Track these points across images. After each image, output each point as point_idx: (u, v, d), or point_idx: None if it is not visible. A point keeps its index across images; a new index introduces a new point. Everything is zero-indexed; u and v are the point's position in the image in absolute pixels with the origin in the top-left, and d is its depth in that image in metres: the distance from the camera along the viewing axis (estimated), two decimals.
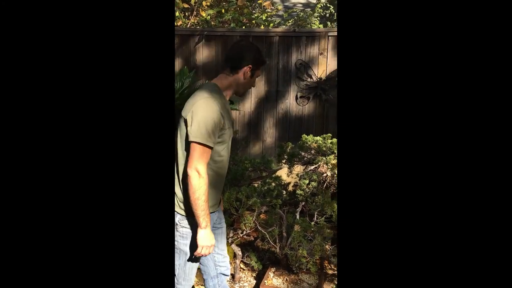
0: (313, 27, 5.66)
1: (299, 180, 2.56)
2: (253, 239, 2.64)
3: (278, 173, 2.88)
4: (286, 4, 6.78)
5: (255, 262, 2.33)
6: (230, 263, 2.02)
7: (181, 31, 3.78)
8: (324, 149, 2.72)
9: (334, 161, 2.60)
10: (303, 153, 2.80)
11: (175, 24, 4.05)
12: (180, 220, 1.43)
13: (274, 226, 2.17)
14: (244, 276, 2.36)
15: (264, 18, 4.61)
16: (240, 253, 2.28)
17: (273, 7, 5.07)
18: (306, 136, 2.82)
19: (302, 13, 5.84)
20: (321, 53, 3.51)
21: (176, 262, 1.48)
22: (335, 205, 2.17)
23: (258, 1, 4.58)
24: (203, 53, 3.69)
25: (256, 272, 2.38)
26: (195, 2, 4.11)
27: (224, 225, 1.65)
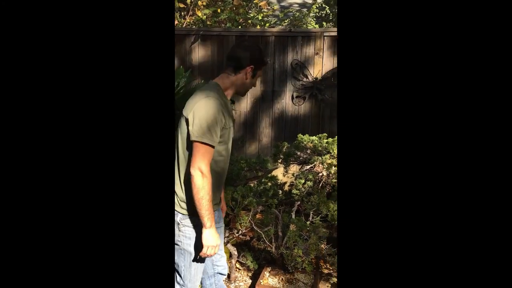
0: (308, 27, 5.67)
1: (295, 179, 2.57)
2: (249, 239, 2.64)
3: (274, 172, 2.88)
4: (282, 4, 6.78)
5: (251, 262, 2.33)
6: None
7: (177, 30, 3.77)
8: (319, 148, 2.73)
9: (330, 161, 2.61)
10: (299, 153, 2.80)
11: None
12: (182, 219, 1.42)
13: (269, 225, 2.17)
14: (240, 276, 2.37)
15: (260, 18, 4.61)
16: (235, 252, 2.27)
17: (269, 7, 5.07)
18: (302, 135, 2.82)
19: (298, 13, 5.85)
20: (317, 53, 3.52)
21: (181, 264, 1.47)
22: (331, 205, 2.18)
23: (254, 1, 4.58)
24: (198, 53, 3.68)
25: (252, 271, 2.39)
26: (191, 2, 4.10)
27: (223, 224, 1.66)
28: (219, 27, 4.11)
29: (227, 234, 2.30)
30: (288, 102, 3.64)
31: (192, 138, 1.32)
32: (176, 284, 1.52)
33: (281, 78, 3.62)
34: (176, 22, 4.12)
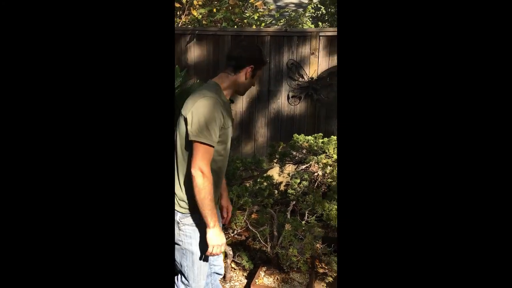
0: (304, 27, 5.68)
1: (290, 179, 2.57)
2: (244, 238, 2.64)
3: (270, 172, 2.88)
4: (278, 4, 6.79)
5: (246, 262, 2.33)
6: None
7: None
8: (315, 148, 2.73)
9: (325, 161, 2.61)
10: (294, 153, 2.81)
11: None
12: (181, 218, 1.41)
13: (265, 225, 2.17)
14: (235, 276, 2.36)
15: (256, 17, 4.61)
16: (231, 252, 2.27)
17: (265, 7, 5.07)
18: (297, 135, 2.83)
19: (293, 13, 5.86)
20: (313, 53, 3.52)
21: (184, 263, 1.45)
22: (326, 204, 2.18)
23: (250, 1, 4.58)
24: (194, 52, 3.67)
25: (247, 271, 2.38)
26: (186, 1, 4.09)
27: (221, 223, 1.65)
28: (215, 27, 4.11)
29: None
30: (283, 102, 3.65)
31: (191, 138, 1.31)
32: (181, 284, 1.51)
33: (276, 78, 3.62)
34: None
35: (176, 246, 1.45)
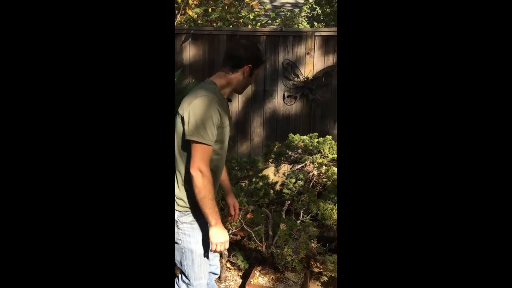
0: (300, 27, 5.68)
1: (285, 179, 2.57)
2: (239, 238, 2.64)
3: (266, 172, 2.89)
4: (274, 4, 6.79)
5: (242, 261, 2.33)
6: None
7: None
8: (310, 148, 2.74)
9: (320, 160, 2.62)
10: (290, 152, 2.81)
11: None
12: (179, 217, 1.41)
13: (260, 225, 2.17)
14: (230, 275, 2.36)
15: (251, 17, 4.61)
16: (226, 252, 2.27)
17: (260, 6, 5.07)
18: (292, 135, 2.83)
19: (289, 13, 5.86)
20: (308, 53, 3.53)
21: (184, 262, 1.45)
22: (321, 204, 2.19)
23: (246, 0, 4.57)
24: (189, 52, 3.67)
25: (243, 271, 2.38)
26: (182, 1, 4.08)
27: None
28: (210, 26, 4.10)
29: None
30: (279, 101, 3.65)
31: (188, 137, 1.31)
32: (182, 283, 1.51)
33: (272, 78, 3.62)
34: None
35: (175, 245, 1.45)
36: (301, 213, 2.30)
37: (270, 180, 2.77)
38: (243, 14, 4.59)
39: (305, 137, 2.80)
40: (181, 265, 1.47)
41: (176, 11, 4.26)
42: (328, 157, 2.65)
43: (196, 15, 4.17)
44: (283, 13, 5.96)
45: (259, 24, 4.76)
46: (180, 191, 1.40)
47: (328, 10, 6.00)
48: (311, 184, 2.60)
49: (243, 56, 1.41)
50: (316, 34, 3.50)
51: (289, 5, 6.75)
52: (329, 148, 2.67)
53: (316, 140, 2.75)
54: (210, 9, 4.22)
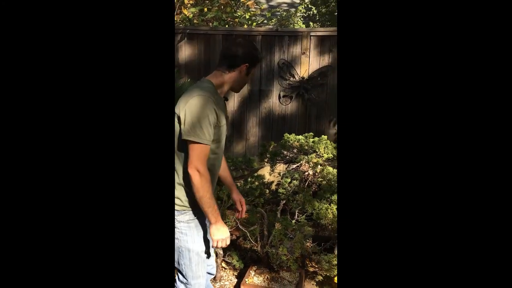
0: (295, 27, 5.69)
1: (281, 178, 2.57)
2: (235, 238, 2.64)
3: (261, 172, 2.89)
4: (271, 3, 6.79)
5: (237, 261, 2.32)
6: None
7: None
8: (306, 148, 2.74)
9: (316, 160, 2.62)
10: (285, 152, 2.81)
11: None
12: (176, 216, 1.41)
13: (255, 224, 2.17)
14: (225, 275, 2.36)
15: (247, 17, 4.61)
16: (221, 252, 2.27)
17: (256, 6, 5.07)
18: (288, 135, 2.83)
19: (285, 13, 5.87)
20: (304, 53, 3.53)
21: (181, 262, 1.45)
22: (316, 203, 2.19)
23: (241, 0, 4.57)
24: (185, 52, 3.66)
25: (238, 271, 2.38)
26: (177, 0, 4.07)
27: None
28: (206, 26, 4.09)
29: None
30: (275, 101, 3.65)
31: (185, 137, 1.31)
32: (179, 283, 1.50)
33: (268, 78, 3.62)
34: None
35: None
36: (296, 213, 2.30)
37: (265, 180, 2.77)
38: (239, 13, 4.58)
39: (300, 136, 2.80)
40: (178, 265, 1.47)
41: None
42: (323, 156, 2.65)
43: (191, 15, 4.16)
44: (279, 13, 5.96)
45: (255, 24, 4.76)
46: (176, 190, 1.40)
47: (323, 10, 6.01)
48: (306, 184, 2.61)
49: (239, 55, 1.41)
50: (312, 34, 3.51)
51: (285, 5, 6.76)
52: (325, 147, 2.68)
53: (311, 140, 2.75)
54: (205, 9, 4.21)
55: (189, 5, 4.10)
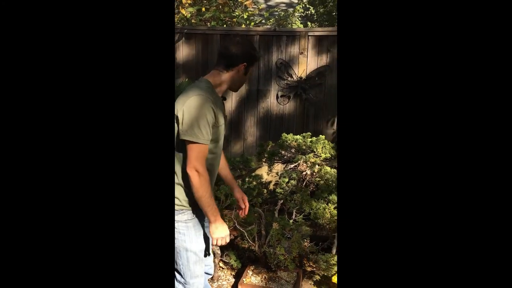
0: (293, 27, 5.69)
1: (279, 178, 2.57)
2: (232, 237, 2.64)
3: (259, 171, 2.89)
4: (269, 3, 6.79)
5: (234, 261, 2.32)
6: None
7: None
8: (304, 147, 2.74)
9: (313, 160, 2.62)
10: (283, 152, 2.81)
11: None
12: (175, 216, 1.41)
13: (253, 224, 2.17)
14: (223, 275, 2.36)
15: (245, 16, 4.61)
16: (219, 251, 2.27)
17: (254, 6, 5.07)
18: (286, 135, 2.83)
19: (283, 13, 5.87)
20: (301, 53, 3.53)
21: (179, 261, 1.45)
22: (314, 203, 2.19)
23: (239, 0, 4.57)
24: (183, 51, 3.65)
25: (235, 270, 2.38)
26: (175, 0, 4.07)
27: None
28: (204, 26, 4.09)
29: None
30: (273, 101, 3.65)
31: (183, 137, 1.30)
32: (177, 283, 1.50)
33: (266, 77, 3.62)
34: None
35: None
36: (294, 213, 2.30)
37: (263, 180, 2.77)
38: (237, 13, 4.58)
39: (298, 136, 2.80)
40: (176, 264, 1.46)
41: None
42: (321, 156, 2.66)
43: (189, 15, 4.16)
44: (277, 13, 5.96)
45: (253, 23, 4.75)
46: (175, 190, 1.39)
47: (321, 10, 6.02)
48: (304, 184, 2.61)
49: (237, 55, 1.40)
50: (310, 34, 3.51)
51: (283, 5, 6.76)
52: (322, 147, 2.68)
53: (309, 139, 2.75)
54: (203, 9, 4.20)
55: (187, 4, 4.09)
